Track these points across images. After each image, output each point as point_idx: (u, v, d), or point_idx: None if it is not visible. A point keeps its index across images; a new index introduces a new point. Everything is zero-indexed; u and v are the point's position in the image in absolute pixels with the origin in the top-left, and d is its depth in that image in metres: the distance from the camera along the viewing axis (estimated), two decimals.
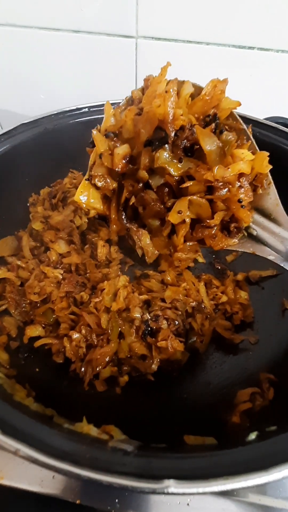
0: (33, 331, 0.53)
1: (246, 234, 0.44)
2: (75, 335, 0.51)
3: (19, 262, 0.60)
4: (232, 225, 0.43)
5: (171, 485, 0.25)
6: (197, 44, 0.82)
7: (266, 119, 0.73)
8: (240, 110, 0.72)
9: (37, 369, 0.49)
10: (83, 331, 0.52)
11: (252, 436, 0.31)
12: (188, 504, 0.43)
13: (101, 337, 0.51)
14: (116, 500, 0.44)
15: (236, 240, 0.43)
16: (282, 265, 0.41)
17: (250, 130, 0.48)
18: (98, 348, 0.50)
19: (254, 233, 0.43)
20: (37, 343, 0.51)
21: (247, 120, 0.71)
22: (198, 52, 0.83)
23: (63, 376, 0.50)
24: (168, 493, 0.25)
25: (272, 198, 0.44)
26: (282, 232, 0.42)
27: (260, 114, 0.72)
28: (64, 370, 0.50)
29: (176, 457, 0.28)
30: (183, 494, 0.25)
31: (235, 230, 0.43)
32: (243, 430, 0.34)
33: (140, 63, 0.88)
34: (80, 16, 0.84)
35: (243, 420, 0.40)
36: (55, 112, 0.72)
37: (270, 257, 0.42)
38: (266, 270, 0.66)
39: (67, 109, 0.73)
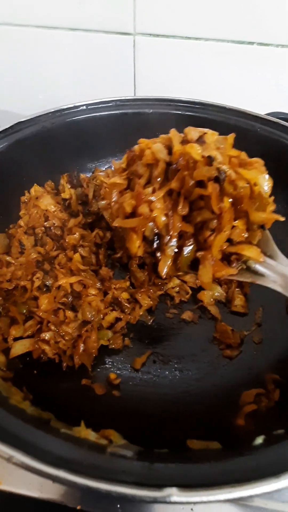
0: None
1: (245, 266, 0.45)
2: (47, 336, 0.49)
3: (8, 258, 0.59)
4: (233, 256, 0.45)
5: (174, 494, 0.23)
6: (195, 40, 0.81)
7: (268, 114, 0.71)
8: (241, 106, 0.72)
9: (35, 372, 0.48)
10: (52, 327, 0.50)
11: (259, 440, 0.30)
12: (192, 510, 0.42)
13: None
14: (118, 506, 0.43)
15: (236, 270, 0.45)
16: (281, 292, 0.43)
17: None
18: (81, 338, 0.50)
19: (252, 265, 0.45)
20: (12, 355, 0.48)
21: (248, 115, 0.70)
22: (197, 48, 0.82)
23: (62, 378, 0.48)
24: (170, 502, 0.23)
25: (266, 238, 0.46)
26: (278, 266, 0.44)
27: (261, 109, 0.71)
28: (62, 372, 0.49)
29: (179, 463, 0.26)
30: (187, 503, 0.23)
31: (235, 261, 0.45)
32: (249, 434, 0.32)
33: (138, 60, 0.87)
34: (76, 14, 0.84)
35: (248, 422, 0.38)
36: (53, 110, 0.71)
37: (270, 285, 0.44)
38: None
39: (65, 107, 0.72)
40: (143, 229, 0.45)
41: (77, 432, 0.32)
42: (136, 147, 0.49)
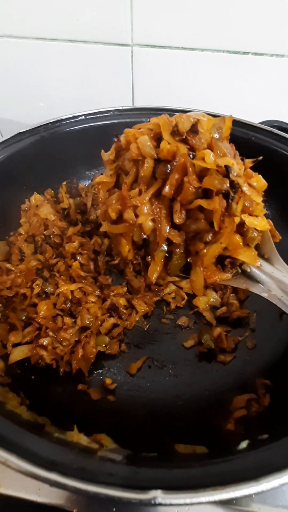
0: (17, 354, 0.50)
1: (239, 270, 0.43)
2: (45, 341, 0.51)
3: (8, 266, 0.61)
4: (227, 260, 0.42)
5: (158, 496, 0.24)
6: (192, 50, 0.83)
7: (261, 123, 0.73)
8: (235, 115, 0.73)
9: (32, 377, 0.49)
10: (50, 333, 0.52)
11: (243, 444, 0.31)
12: None
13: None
14: (114, 509, 0.44)
15: (230, 275, 0.42)
16: (275, 303, 0.40)
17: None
18: (80, 344, 0.50)
19: (248, 270, 0.42)
20: (11, 361, 0.49)
21: (242, 124, 0.71)
22: (193, 58, 0.84)
23: (59, 383, 0.50)
24: (155, 504, 0.24)
25: (265, 240, 0.44)
26: (275, 272, 0.41)
27: (255, 118, 0.73)
28: (59, 378, 0.50)
29: (164, 467, 0.27)
30: (171, 505, 0.24)
31: (229, 265, 0.42)
32: (236, 438, 0.33)
33: (136, 70, 0.89)
34: (76, 26, 0.86)
35: (238, 427, 0.39)
36: (52, 121, 0.73)
37: (264, 295, 0.41)
38: None
39: (64, 117, 0.74)
40: (131, 234, 0.43)
41: (70, 436, 0.33)
42: (122, 137, 0.45)
